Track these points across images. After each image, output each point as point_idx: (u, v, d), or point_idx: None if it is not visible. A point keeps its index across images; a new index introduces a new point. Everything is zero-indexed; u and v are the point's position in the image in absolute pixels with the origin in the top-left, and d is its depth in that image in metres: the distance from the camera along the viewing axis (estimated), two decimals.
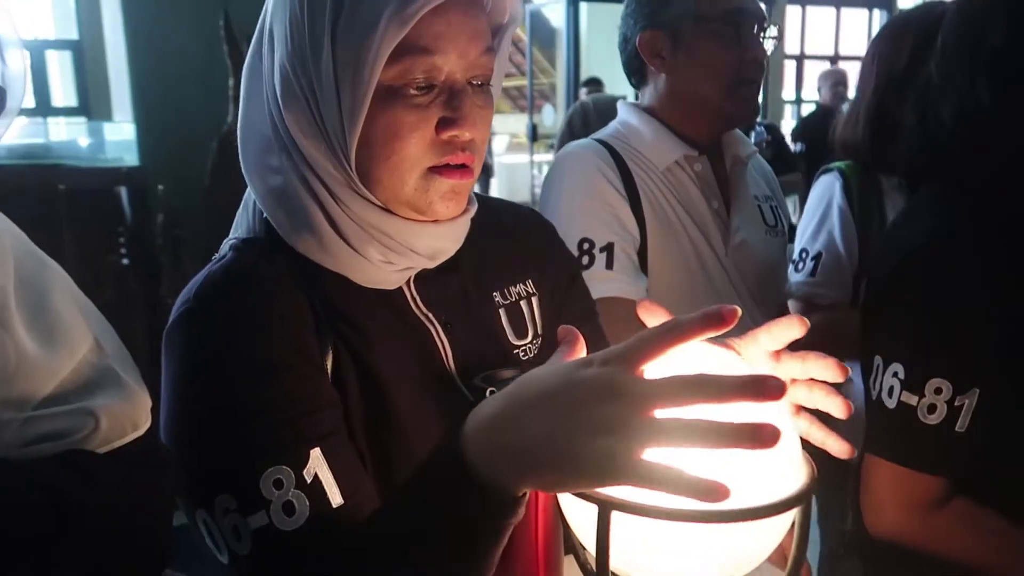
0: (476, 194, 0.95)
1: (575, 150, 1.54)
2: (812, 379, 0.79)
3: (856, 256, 1.71)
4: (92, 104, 5.69)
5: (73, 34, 5.87)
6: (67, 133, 5.94)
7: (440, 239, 0.89)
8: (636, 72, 1.60)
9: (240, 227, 0.92)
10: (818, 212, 1.77)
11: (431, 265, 0.90)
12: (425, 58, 0.79)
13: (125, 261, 3.48)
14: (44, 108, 5.97)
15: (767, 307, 1.58)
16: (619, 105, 1.61)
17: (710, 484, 0.54)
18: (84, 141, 5.33)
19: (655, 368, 0.59)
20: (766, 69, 1.52)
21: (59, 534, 0.69)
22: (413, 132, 0.81)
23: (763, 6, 1.52)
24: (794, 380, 0.80)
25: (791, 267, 1.78)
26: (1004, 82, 1.08)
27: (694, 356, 0.66)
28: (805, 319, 0.71)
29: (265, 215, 0.88)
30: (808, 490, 0.66)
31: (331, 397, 0.83)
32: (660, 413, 0.57)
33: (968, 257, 1.07)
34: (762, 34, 1.48)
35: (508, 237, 1.02)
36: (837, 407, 0.75)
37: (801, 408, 0.81)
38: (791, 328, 0.73)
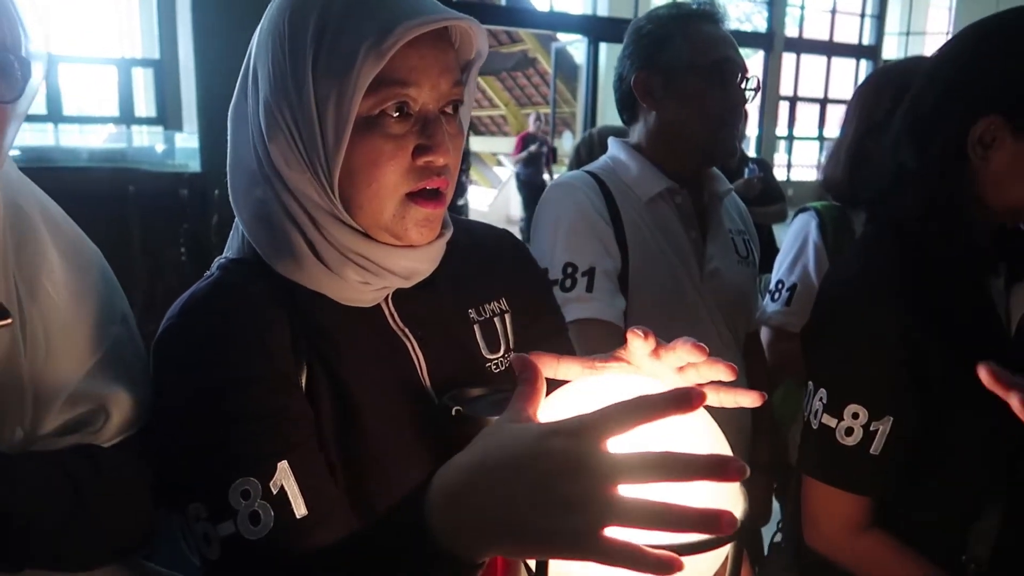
0: (454, 217, 0.91)
1: (566, 180, 1.49)
2: (713, 383, 0.73)
3: None
4: (168, 116, 5.73)
5: (156, 54, 5.93)
6: (148, 141, 6.00)
7: (415, 261, 0.84)
8: (628, 109, 1.54)
9: (231, 248, 0.88)
10: (795, 247, 1.70)
11: (407, 285, 0.86)
12: (400, 89, 0.76)
13: (184, 255, 3.47)
14: (128, 118, 6.03)
15: (736, 329, 1.52)
16: (609, 141, 1.56)
17: (668, 559, 0.50)
18: (159, 148, 5.37)
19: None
20: (745, 114, 1.48)
21: (73, 520, 0.72)
22: (391, 159, 0.77)
23: (749, 55, 1.47)
24: (680, 368, 0.74)
25: (767, 296, 1.72)
26: (921, 146, 1.06)
27: (623, 386, 0.62)
28: (704, 346, 0.66)
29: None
30: (740, 527, 0.61)
31: (302, 410, 0.78)
32: (624, 489, 0.52)
33: (886, 298, 1.04)
34: (744, 83, 1.45)
35: (484, 257, 0.97)
36: (723, 372, 0.69)
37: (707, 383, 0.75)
38: (691, 353, 0.67)
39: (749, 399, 0.67)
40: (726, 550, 0.61)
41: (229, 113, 0.85)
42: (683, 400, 0.52)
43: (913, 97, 1.09)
